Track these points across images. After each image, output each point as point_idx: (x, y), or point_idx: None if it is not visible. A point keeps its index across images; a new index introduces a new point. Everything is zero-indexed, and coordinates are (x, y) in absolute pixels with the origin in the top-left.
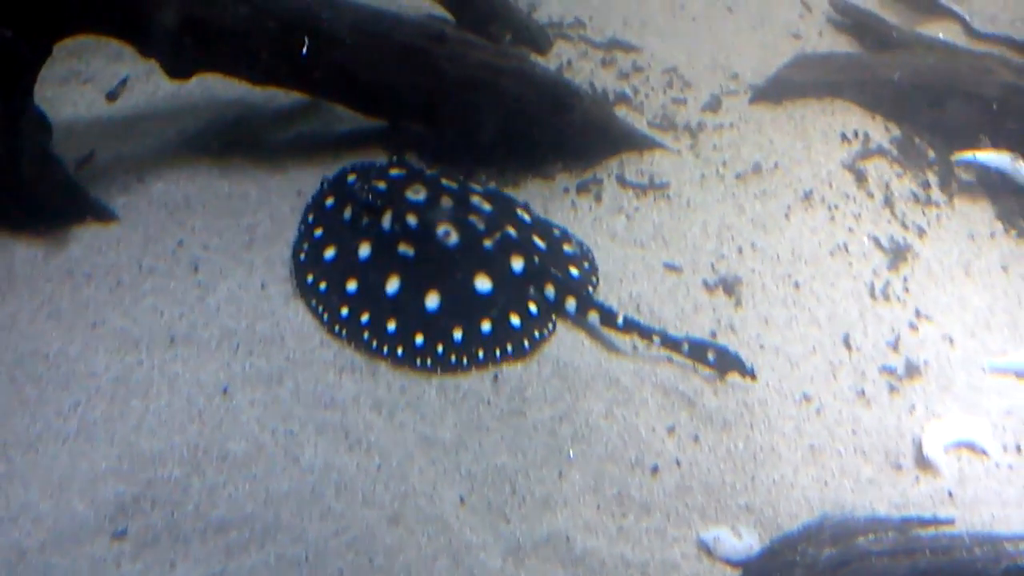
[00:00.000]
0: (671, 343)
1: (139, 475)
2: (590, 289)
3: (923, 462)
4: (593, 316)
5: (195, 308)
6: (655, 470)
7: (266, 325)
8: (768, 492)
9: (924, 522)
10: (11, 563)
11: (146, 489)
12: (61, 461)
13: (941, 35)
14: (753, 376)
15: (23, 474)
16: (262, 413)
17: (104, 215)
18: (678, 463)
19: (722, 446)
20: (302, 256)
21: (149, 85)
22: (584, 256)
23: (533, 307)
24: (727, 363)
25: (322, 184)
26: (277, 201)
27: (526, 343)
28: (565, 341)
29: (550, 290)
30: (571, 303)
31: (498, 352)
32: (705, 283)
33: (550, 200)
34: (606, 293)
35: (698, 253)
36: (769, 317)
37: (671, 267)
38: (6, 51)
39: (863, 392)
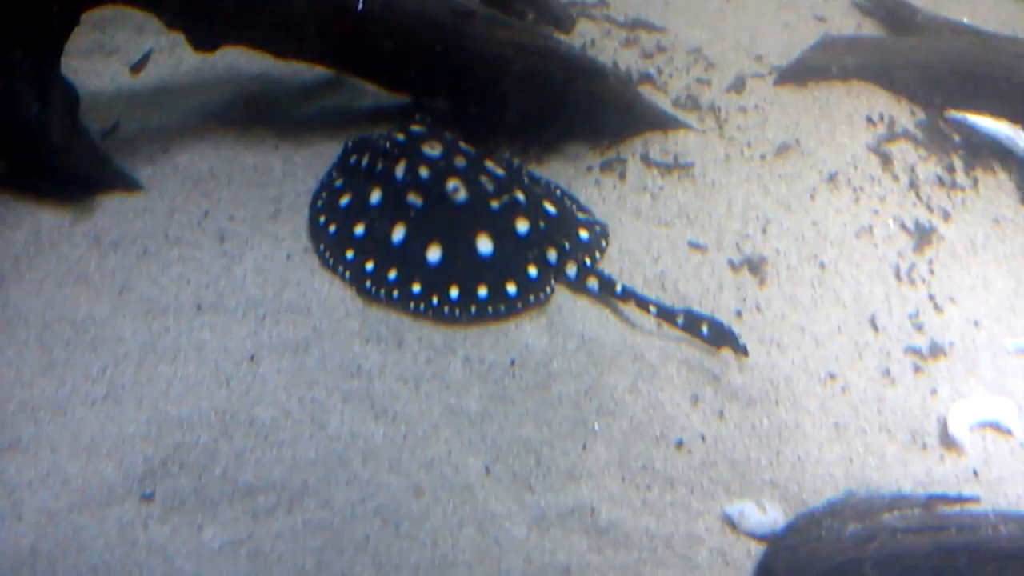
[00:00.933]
0: (666, 314)
1: (167, 439)
2: (597, 255)
3: (948, 441)
4: (592, 282)
5: (221, 278)
6: (680, 444)
7: (292, 295)
8: (793, 468)
9: (949, 500)
10: (40, 524)
11: (174, 453)
12: (90, 424)
13: (966, 19)
14: (746, 353)
15: (52, 436)
16: (289, 381)
17: (130, 185)
18: (703, 438)
19: (747, 422)
20: (319, 203)
21: (172, 58)
22: (593, 226)
23: (532, 270)
24: (721, 338)
25: (346, 144)
26: (302, 174)
27: (519, 306)
28: (590, 316)
29: (552, 254)
30: (572, 268)
31: (491, 311)
32: (730, 262)
33: (574, 179)
34: (630, 271)
35: (723, 232)
36: (794, 297)
37: (696, 246)
38: (36, 19)
39: (888, 372)
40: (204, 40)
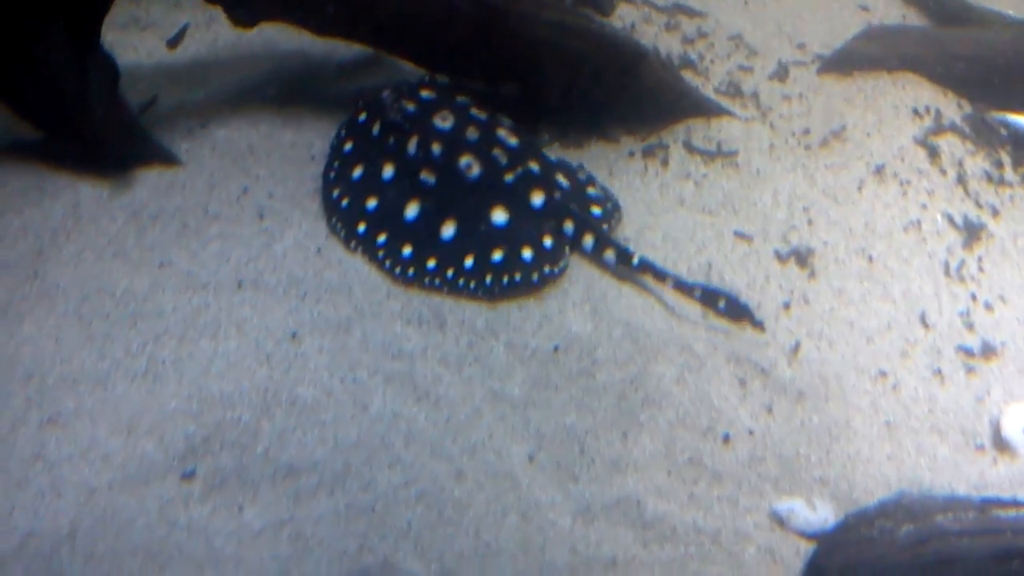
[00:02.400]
0: (684, 288)
1: (208, 416)
2: (612, 226)
3: (1001, 443)
4: (609, 254)
5: (262, 254)
6: (727, 438)
7: (333, 274)
8: (843, 466)
9: (1005, 504)
10: (80, 502)
11: (215, 431)
12: (130, 399)
13: (1012, 12)
14: (763, 328)
15: (92, 411)
16: (331, 360)
17: (168, 159)
18: (751, 432)
19: (796, 418)
20: (332, 174)
21: (209, 34)
22: (607, 199)
23: (548, 240)
24: (737, 312)
25: (358, 102)
26: None
27: (535, 277)
28: (635, 304)
29: (568, 226)
30: (589, 240)
31: (506, 280)
32: (777, 253)
33: (615, 163)
34: (675, 260)
35: (769, 222)
36: (843, 290)
37: (741, 235)
38: None
39: (939, 371)
40: (243, 16)
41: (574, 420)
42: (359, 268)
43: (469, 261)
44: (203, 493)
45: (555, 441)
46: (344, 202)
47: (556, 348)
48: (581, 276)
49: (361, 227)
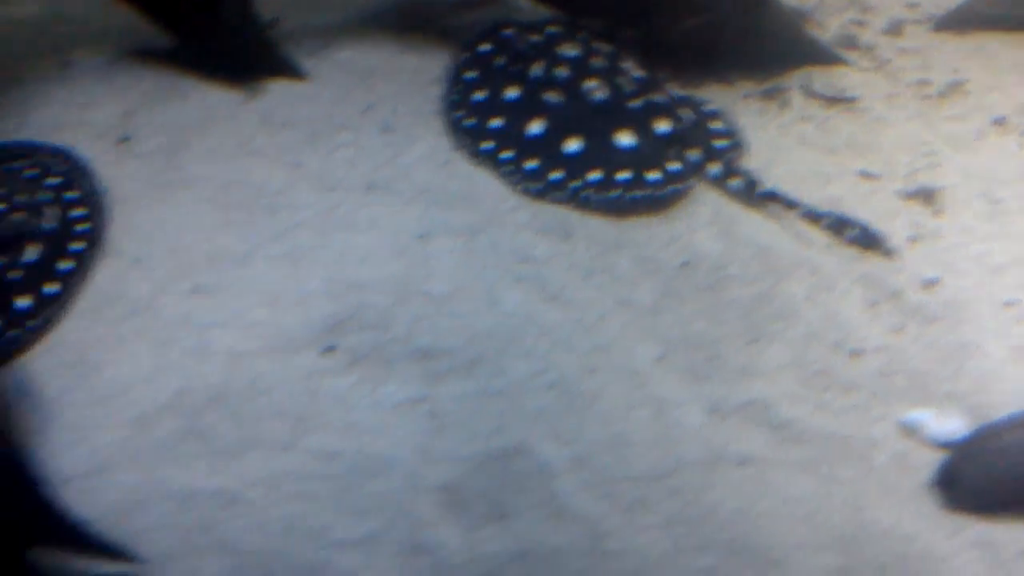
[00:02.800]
0: (813, 216)
1: (346, 299)
2: (734, 157)
3: None
4: (736, 182)
5: (389, 164)
6: (857, 353)
7: (459, 184)
8: (973, 383)
9: None
10: (228, 365)
11: (354, 312)
12: (271, 278)
13: None
14: (893, 256)
15: (235, 285)
16: (461, 260)
17: (295, 73)
18: (881, 349)
19: (927, 337)
20: (455, 96)
21: None
22: (732, 133)
23: (673, 166)
24: (869, 241)
25: (478, 34)
26: None
27: (661, 194)
28: (764, 228)
29: (694, 153)
30: (715, 167)
31: (631, 196)
32: (902, 191)
33: (732, 104)
34: (800, 194)
35: (892, 164)
36: (969, 228)
37: (865, 174)
38: None
39: None
40: None
41: (703, 328)
42: (485, 180)
43: (594, 175)
44: (343, 367)
45: (683, 346)
46: (469, 121)
47: (684, 263)
48: (708, 201)
49: (486, 144)
